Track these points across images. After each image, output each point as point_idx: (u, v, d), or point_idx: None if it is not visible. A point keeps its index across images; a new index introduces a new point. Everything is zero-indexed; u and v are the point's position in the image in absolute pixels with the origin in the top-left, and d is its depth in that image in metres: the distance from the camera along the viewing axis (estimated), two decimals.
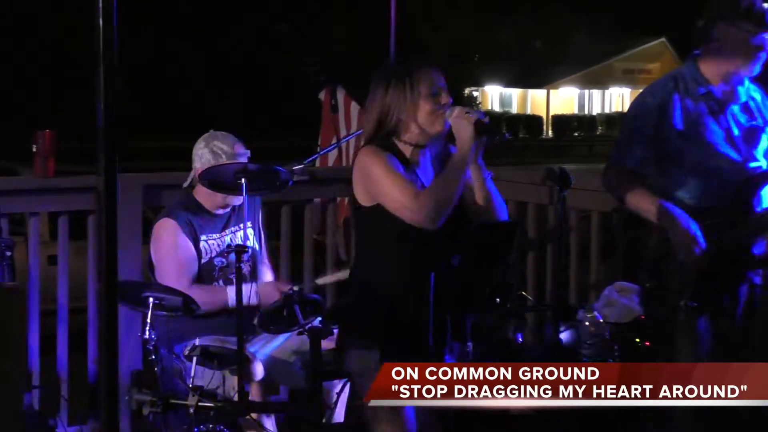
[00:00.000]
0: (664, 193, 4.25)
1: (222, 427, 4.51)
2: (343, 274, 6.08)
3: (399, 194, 3.89)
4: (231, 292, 4.84)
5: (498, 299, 3.56)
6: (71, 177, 5.91)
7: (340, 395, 4.80)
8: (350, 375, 4.11)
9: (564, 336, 4.30)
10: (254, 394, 4.69)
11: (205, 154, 5.00)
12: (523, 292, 5.13)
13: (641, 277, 4.30)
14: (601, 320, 4.34)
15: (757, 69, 4.28)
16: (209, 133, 5.10)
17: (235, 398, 4.49)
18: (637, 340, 4.81)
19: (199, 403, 4.49)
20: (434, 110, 3.96)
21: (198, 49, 42.62)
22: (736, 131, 4.29)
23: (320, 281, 5.87)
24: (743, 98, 4.35)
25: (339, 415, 4.87)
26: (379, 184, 3.93)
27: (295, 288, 4.92)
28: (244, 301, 4.54)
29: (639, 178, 4.28)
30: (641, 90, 4.49)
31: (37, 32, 39.12)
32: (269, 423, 4.80)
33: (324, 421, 4.41)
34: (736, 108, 4.32)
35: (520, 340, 4.84)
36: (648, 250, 4.25)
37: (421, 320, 3.87)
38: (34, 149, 5.58)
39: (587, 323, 4.30)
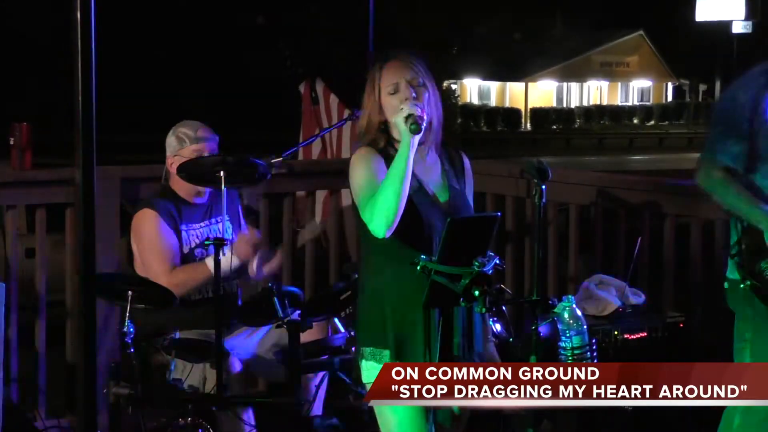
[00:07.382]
0: (756, 191, 4.09)
1: (201, 420, 4.50)
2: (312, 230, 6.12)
3: (359, 202, 3.79)
4: (210, 262, 4.77)
5: (477, 292, 3.55)
6: (48, 170, 5.89)
7: (319, 388, 4.81)
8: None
9: (542, 329, 4.30)
10: (233, 387, 4.69)
11: (171, 141, 5.04)
12: (502, 285, 5.15)
13: (737, 275, 4.17)
14: (580, 313, 4.35)
15: None
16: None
17: (214, 392, 4.50)
18: (616, 333, 4.84)
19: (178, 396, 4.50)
20: (395, 108, 3.78)
21: (175, 42, 42.48)
22: None
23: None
24: None
25: (317, 408, 4.88)
26: (354, 190, 3.84)
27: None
28: (223, 265, 4.54)
29: (735, 175, 4.11)
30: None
31: (13, 25, 38.94)
32: (248, 416, 4.80)
33: (303, 413, 4.42)
34: None
35: (502, 333, 4.85)
36: (744, 250, 4.07)
37: (416, 319, 3.76)
38: (11, 142, 5.56)
39: (566, 316, 4.31)
